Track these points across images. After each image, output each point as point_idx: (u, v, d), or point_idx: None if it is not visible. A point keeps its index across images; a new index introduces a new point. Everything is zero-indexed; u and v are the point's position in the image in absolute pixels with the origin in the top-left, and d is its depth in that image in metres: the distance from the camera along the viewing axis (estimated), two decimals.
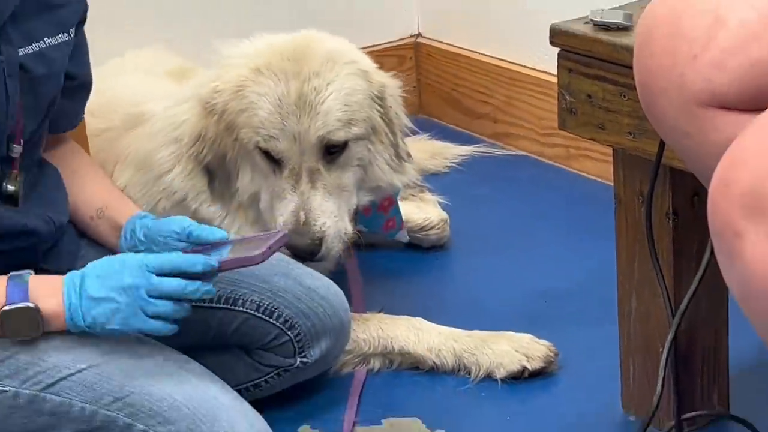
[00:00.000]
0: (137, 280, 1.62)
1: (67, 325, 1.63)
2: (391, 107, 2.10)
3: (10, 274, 1.63)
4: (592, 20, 1.74)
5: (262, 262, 1.69)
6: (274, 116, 1.98)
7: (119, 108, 2.13)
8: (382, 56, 3.02)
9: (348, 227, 2.03)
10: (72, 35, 1.78)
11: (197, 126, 2.05)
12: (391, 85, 2.13)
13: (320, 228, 1.97)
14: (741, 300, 1.08)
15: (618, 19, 1.72)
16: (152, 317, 1.63)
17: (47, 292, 1.63)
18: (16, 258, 1.70)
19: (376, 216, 2.25)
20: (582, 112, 1.78)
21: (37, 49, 1.72)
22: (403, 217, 2.40)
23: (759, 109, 1.13)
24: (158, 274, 1.63)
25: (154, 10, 2.72)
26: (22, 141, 1.72)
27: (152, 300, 1.62)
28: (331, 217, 1.99)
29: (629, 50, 1.61)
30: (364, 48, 3.00)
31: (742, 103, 1.16)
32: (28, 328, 1.62)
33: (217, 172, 2.05)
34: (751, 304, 1.07)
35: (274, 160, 2.01)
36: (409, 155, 2.15)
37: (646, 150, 1.69)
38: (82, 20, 1.82)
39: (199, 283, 1.64)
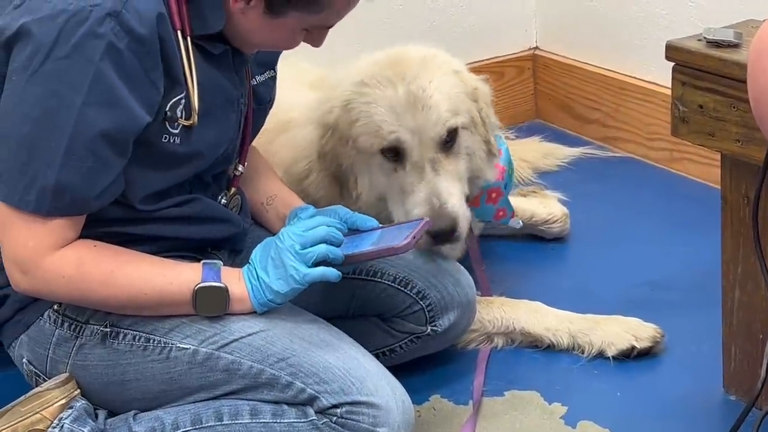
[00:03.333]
0: (288, 242, 1.68)
1: (253, 304, 1.69)
2: (482, 108, 2.08)
3: (203, 261, 1.71)
4: (705, 38, 1.75)
5: (406, 251, 1.69)
6: (391, 116, 1.99)
7: (273, 114, 2.20)
8: (504, 66, 3.08)
9: (467, 212, 2.00)
10: (276, 71, 1.89)
11: (318, 144, 2.10)
12: (482, 88, 2.12)
13: (453, 208, 1.95)
14: None
15: (729, 37, 1.73)
16: (314, 265, 1.66)
17: (234, 279, 1.70)
18: (208, 241, 1.81)
19: (485, 207, 2.23)
20: (694, 121, 1.78)
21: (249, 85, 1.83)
22: (530, 212, 2.42)
23: None
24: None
25: None
26: (246, 162, 1.85)
27: (307, 249, 1.66)
28: (459, 198, 1.98)
29: (739, 65, 1.66)
30: (487, 59, 3.07)
31: None
32: (216, 305, 1.69)
33: (341, 180, 2.08)
34: None
35: (395, 160, 2.01)
36: (497, 153, 2.12)
37: (752, 156, 1.70)
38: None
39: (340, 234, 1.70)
